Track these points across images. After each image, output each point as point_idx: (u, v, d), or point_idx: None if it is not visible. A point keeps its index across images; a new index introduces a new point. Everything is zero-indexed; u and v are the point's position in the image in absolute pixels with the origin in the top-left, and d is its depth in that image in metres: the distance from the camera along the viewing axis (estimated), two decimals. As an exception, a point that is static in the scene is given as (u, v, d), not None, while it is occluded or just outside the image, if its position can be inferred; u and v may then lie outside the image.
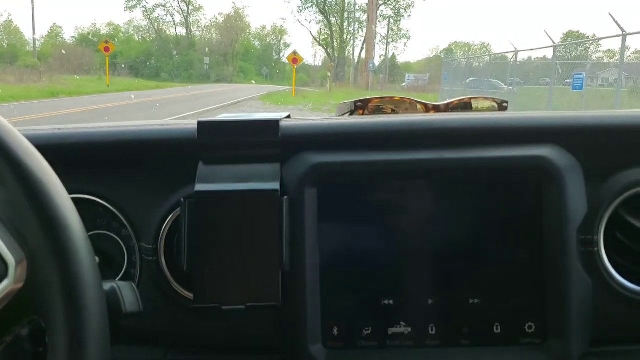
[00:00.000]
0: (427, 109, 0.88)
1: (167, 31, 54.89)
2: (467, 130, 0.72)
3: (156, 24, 54.35)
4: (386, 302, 0.71)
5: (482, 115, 0.77)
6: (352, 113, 0.91)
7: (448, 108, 0.88)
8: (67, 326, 0.50)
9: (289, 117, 0.77)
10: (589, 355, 0.70)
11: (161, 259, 0.74)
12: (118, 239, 0.80)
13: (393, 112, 0.89)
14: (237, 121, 0.72)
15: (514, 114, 0.76)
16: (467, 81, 18.32)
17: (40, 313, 0.52)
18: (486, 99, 0.89)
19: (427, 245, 0.71)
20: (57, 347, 0.50)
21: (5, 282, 0.50)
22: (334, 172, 0.70)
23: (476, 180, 0.70)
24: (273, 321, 0.72)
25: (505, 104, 0.89)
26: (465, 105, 0.88)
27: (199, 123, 0.71)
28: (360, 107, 0.87)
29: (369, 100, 0.88)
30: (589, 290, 0.69)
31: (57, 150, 0.74)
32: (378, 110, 0.90)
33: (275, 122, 0.71)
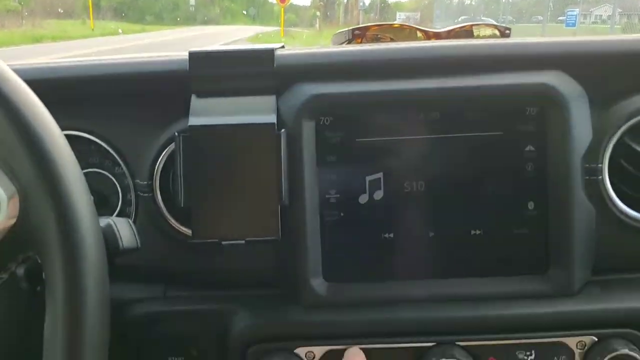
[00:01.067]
0: (427, 36, 0.85)
1: (151, -29, 53.31)
2: (470, 57, 0.69)
3: (139, -37, 52.69)
4: (387, 235, 0.70)
5: (485, 41, 0.74)
6: (349, 42, 0.88)
7: (449, 35, 0.85)
8: (63, 263, 0.49)
9: (283, 47, 0.74)
10: (591, 284, 0.70)
11: (157, 195, 0.72)
12: (112, 177, 0.78)
13: (392, 40, 0.86)
14: (229, 51, 0.69)
15: (517, 40, 0.73)
16: (459, 19, 18.06)
17: (35, 249, 0.51)
18: (488, 25, 0.86)
19: (428, 178, 0.69)
20: (55, 284, 0.49)
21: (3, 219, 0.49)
22: (332, 104, 0.68)
23: (478, 109, 0.68)
24: (273, 256, 0.72)
25: (507, 31, 0.87)
26: (467, 33, 0.85)
27: (190, 54, 0.68)
28: (358, 35, 0.84)
29: (366, 29, 0.84)
30: (592, 219, 0.68)
31: (46, 85, 0.71)
32: (376, 39, 0.86)
33: (269, 52, 0.68)
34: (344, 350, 0.67)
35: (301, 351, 0.67)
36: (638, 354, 0.64)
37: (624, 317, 0.67)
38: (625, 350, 0.64)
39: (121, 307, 0.72)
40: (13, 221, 0.49)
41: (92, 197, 0.54)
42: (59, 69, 0.74)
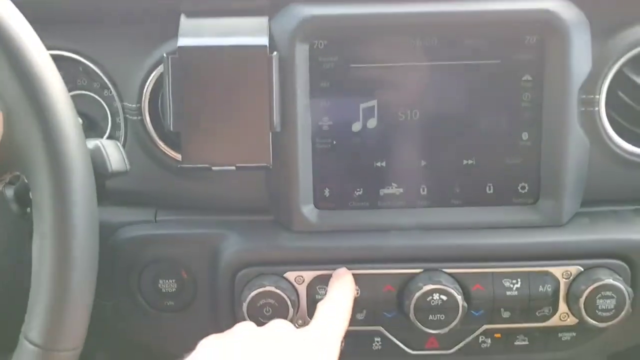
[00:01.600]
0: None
1: None
2: None
3: None
4: (378, 164, 0.70)
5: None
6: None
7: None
8: (50, 183, 0.48)
9: None
10: (580, 215, 0.70)
11: (146, 118, 0.71)
12: (101, 100, 0.76)
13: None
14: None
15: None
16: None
17: (22, 168, 0.50)
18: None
19: (423, 106, 0.68)
20: (42, 203, 0.49)
21: None
22: (328, 26, 0.66)
23: (477, 36, 0.67)
24: (264, 183, 0.71)
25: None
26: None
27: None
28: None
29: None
30: (585, 150, 0.68)
31: (31, 3, 0.68)
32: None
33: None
34: None
35: (290, 275, 0.68)
36: (622, 284, 0.65)
37: (610, 248, 0.67)
38: (610, 280, 0.65)
39: (112, 230, 0.72)
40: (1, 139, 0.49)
41: (78, 117, 0.53)
42: None
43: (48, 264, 0.48)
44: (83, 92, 0.77)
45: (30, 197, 0.61)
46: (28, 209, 0.69)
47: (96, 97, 0.77)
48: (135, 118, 0.72)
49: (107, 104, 0.76)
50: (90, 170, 0.51)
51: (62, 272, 0.48)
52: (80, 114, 0.78)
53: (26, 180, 0.51)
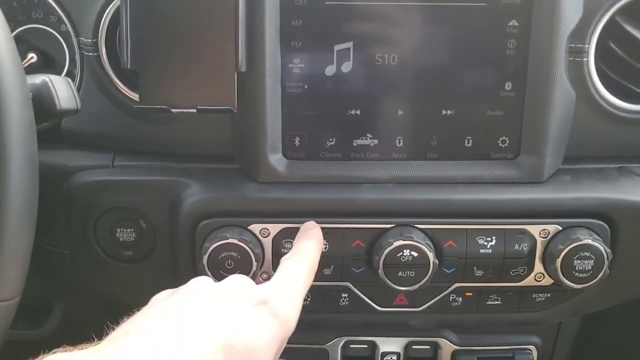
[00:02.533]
0: None
1: None
2: None
3: None
4: (353, 112, 0.66)
5: None
6: None
7: None
8: None
9: None
10: (561, 172, 0.67)
11: (102, 55, 0.66)
12: (57, 34, 0.71)
13: None
14: None
15: None
16: None
17: None
18: None
19: (401, 51, 0.64)
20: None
21: None
22: None
23: None
24: (229, 129, 0.67)
25: None
26: None
27: None
28: None
29: None
30: (571, 103, 0.64)
31: None
32: None
33: None
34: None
35: (255, 228, 0.64)
36: (601, 245, 0.62)
37: (591, 207, 0.64)
38: (589, 240, 0.62)
39: (67, 175, 0.68)
40: None
41: (17, 52, 0.48)
42: None
43: None
44: (38, 25, 0.72)
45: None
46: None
47: (52, 31, 0.71)
48: (91, 54, 0.67)
49: (64, 40, 0.71)
50: (28, 106, 0.47)
51: None
52: (38, 49, 0.73)
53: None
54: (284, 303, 0.49)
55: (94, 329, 0.93)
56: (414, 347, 0.78)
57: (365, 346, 0.78)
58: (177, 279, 0.68)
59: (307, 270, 0.57)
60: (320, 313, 0.69)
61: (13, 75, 0.45)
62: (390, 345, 0.78)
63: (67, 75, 0.71)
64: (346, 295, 0.68)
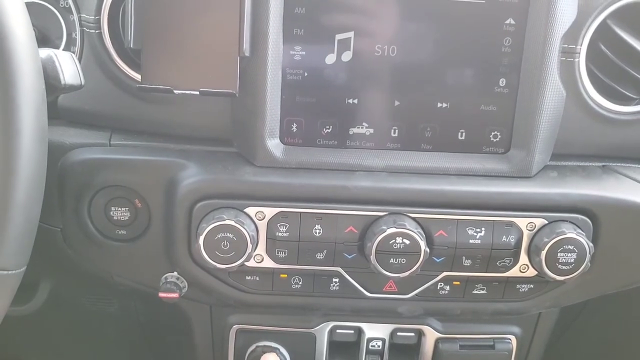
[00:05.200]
0: None
1: None
2: None
3: None
4: (350, 101, 0.67)
5: None
6: None
7: None
8: None
9: None
10: (549, 168, 0.70)
11: (104, 32, 0.66)
12: (55, 10, 0.71)
13: None
14: None
15: None
16: None
17: None
18: None
19: (402, 42, 0.65)
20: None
21: None
22: None
23: None
24: (229, 112, 0.68)
25: None
26: None
27: None
28: None
29: None
30: (561, 101, 0.66)
31: None
32: None
33: None
34: (296, 212, 0.65)
35: (251, 211, 0.65)
36: (584, 239, 0.64)
37: (575, 203, 0.67)
38: (573, 234, 0.64)
39: (63, 151, 0.68)
40: None
41: (31, 23, 0.48)
42: None
43: None
44: (37, 1, 0.71)
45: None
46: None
47: (50, 7, 0.71)
48: (92, 32, 0.67)
49: (62, 16, 0.70)
50: (40, 77, 0.47)
51: (4, 186, 0.44)
52: (33, 25, 0.72)
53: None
54: None
55: (80, 306, 0.93)
56: (398, 333, 0.80)
57: (352, 332, 0.80)
58: (169, 259, 0.69)
59: None
60: (310, 297, 0.71)
61: (27, 47, 0.45)
62: (376, 331, 0.80)
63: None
64: (337, 280, 0.70)
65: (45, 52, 0.54)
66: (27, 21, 0.48)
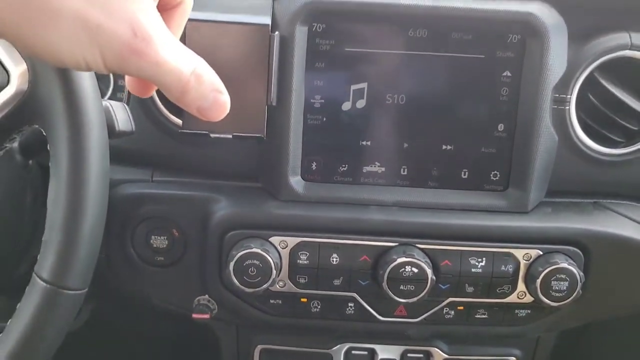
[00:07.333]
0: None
1: None
2: None
3: None
4: (364, 143, 0.75)
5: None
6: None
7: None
8: (69, 136, 0.53)
9: None
10: (544, 204, 0.76)
11: None
12: None
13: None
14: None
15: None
16: None
17: (42, 122, 0.54)
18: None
19: (410, 92, 0.73)
20: (60, 155, 0.53)
21: (8, 89, 0.52)
22: (327, 11, 0.70)
23: (464, 31, 0.71)
24: (257, 152, 0.76)
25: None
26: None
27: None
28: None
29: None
30: (554, 145, 0.74)
31: None
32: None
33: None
34: (316, 242, 0.73)
35: (275, 240, 0.73)
36: (575, 268, 0.71)
37: (568, 236, 0.74)
38: (565, 264, 0.71)
39: (111, 186, 0.76)
40: (22, 93, 0.53)
41: (95, 78, 0.57)
42: None
43: (62, 210, 0.52)
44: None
45: (34, 150, 0.65)
46: (30, 161, 0.73)
47: None
48: None
49: None
50: (104, 126, 0.56)
51: (75, 217, 0.53)
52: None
53: (44, 133, 0.55)
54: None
55: (117, 326, 1.02)
56: (409, 355, 0.86)
57: (366, 353, 0.87)
58: (202, 283, 0.77)
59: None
60: (328, 320, 0.78)
61: (95, 101, 0.54)
62: (388, 352, 0.86)
63: (111, 98, 0.80)
64: (352, 304, 0.77)
65: (103, 104, 0.63)
66: (93, 76, 0.57)
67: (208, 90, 0.39)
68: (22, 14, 0.32)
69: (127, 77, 0.44)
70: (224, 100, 0.41)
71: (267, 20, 0.68)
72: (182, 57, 0.37)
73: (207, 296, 0.78)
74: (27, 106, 0.54)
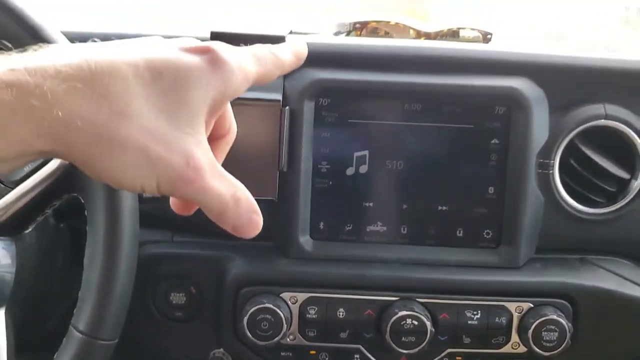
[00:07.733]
0: (418, 34, 0.96)
1: None
2: (452, 59, 0.80)
3: None
4: (367, 204, 0.82)
5: (466, 46, 0.85)
6: (349, 33, 0.98)
7: (437, 36, 0.96)
8: (105, 205, 0.60)
9: (291, 32, 0.84)
10: (533, 260, 0.82)
11: None
12: None
13: (387, 35, 0.97)
14: (246, 34, 0.78)
15: (492, 48, 0.84)
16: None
17: (80, 191, 0.61)
18: (473, 29, 0.97)
19: (407, 158, 0.81)
20: (96, 221, 0.60)
21: (54, 161, 0.59)
22: (332, 88, 0.78)
23: (454, 104, 0.79)
24: (269, 214, 0.82)
25: (489, 36, 0.98)
26: (454, 34, 0.96)
27: (212, 33, 0.77)
28: (358, 28, 0.95)
29: (366, 22, 0.95)
30: (540, 206, 0.80)
31: None
32: (374, 32, 0.97)
33: (281, 38, 0.77)
34: (324, 297, 0.79)
35: (286, 295, 0.79)
36: (563, 320, 0.77)
37: (557, 290, 0.79)
38: (554, 316, 0.77)
39: None
40: (65, 165, 0.60)
41: None
42: None
43: (98, 270, 0.59)
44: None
45: (65, 215, 0.72)
46: (62, 224, 0.80)
47: None
48: None
49: None
50: (136, 196, 0.63)
51: (109, 276, 0.59)
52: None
53: (82, 201, 0.62)
54: (232, 55, 0.42)
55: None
56: None
57: None
58: (218, 337, 0.82)
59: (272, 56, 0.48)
60: None
61: None
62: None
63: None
64: (358, 356, 0.81)
65: None
66: None
67: (244, 211, 0.43)
68: (94, 147, 0.36)
69: (171, 197, 0.50)
70: (257, 220, 0.45)
71: (278, 96, 0.77)
72: (224, 183, 0.42)
73: (222, 349, 0.83)
74: (69, 177, 0.61)
